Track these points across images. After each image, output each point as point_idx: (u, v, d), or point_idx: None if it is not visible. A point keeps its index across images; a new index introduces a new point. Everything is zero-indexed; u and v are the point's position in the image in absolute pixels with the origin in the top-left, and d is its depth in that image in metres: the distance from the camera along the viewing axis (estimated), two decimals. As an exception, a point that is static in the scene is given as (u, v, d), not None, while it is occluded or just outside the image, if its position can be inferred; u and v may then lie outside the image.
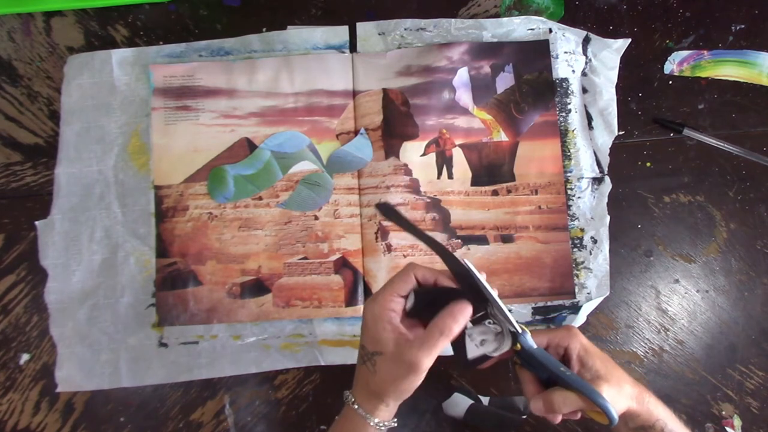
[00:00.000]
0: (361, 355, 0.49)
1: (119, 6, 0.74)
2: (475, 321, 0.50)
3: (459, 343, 0.50)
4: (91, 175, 0.71)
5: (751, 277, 0.70)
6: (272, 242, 0.69)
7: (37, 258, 0.69)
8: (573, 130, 0.71)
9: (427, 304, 0.49)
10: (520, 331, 0.49)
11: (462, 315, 0.47)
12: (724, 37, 0.74)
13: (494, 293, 0.48)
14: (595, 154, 0.71)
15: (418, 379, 0.47)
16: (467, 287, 0.49)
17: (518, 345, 0.49)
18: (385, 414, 0.49)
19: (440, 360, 0.67)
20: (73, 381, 0.68)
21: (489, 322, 0.50)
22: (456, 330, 0.47)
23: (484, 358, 0.50)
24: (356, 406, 0.49)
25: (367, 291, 0.68)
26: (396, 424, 0.51)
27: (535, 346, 0.51)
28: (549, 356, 0.51)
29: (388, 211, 0.60)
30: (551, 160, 0.71)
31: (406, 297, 0.50)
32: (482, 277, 0.48)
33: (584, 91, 0.72)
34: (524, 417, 0.67)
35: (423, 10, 0.74)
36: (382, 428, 0.49)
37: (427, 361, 0.46)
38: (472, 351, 0.50)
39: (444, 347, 0.47)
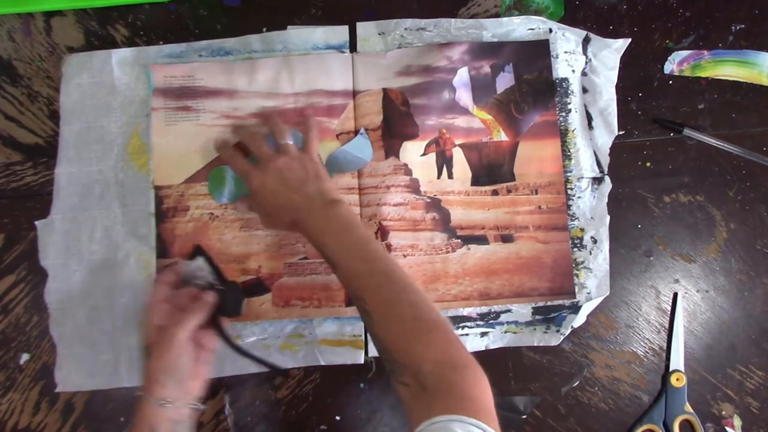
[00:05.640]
0: (144, 353, 0.58)
1: (119, 6, 0.74)
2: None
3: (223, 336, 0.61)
4: (91, 175, 0.70)
5: (751, 277, 0.70)
6: (273, 242, 0.69)
7: (37, 258, 0.69)
8: (573, 130, 0.71)
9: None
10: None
11: (207, 299, 0.59)
12: (724, 37, 0.74)
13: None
14: (595, 154, 0.71)
15: (180, 352, 0.56)
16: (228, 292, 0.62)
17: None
18: (163, 392, 0.55)
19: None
20: (73, 381, 0.68)
21: None
22: (201, 311, 0.58)
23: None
24: (146, 395, 0.55)
25: (367, 291, 0.68)
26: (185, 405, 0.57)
27: None
28: None
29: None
30: (551, 160, 0.71)
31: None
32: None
33: (584, 91, 0.72)
34: (524, 417, 0.67)
35: (423, 10, 0.73)
36: (164, 405, 0.54)
37: (181, 334, 0.56)
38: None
39: (192, 325, 0.57)
